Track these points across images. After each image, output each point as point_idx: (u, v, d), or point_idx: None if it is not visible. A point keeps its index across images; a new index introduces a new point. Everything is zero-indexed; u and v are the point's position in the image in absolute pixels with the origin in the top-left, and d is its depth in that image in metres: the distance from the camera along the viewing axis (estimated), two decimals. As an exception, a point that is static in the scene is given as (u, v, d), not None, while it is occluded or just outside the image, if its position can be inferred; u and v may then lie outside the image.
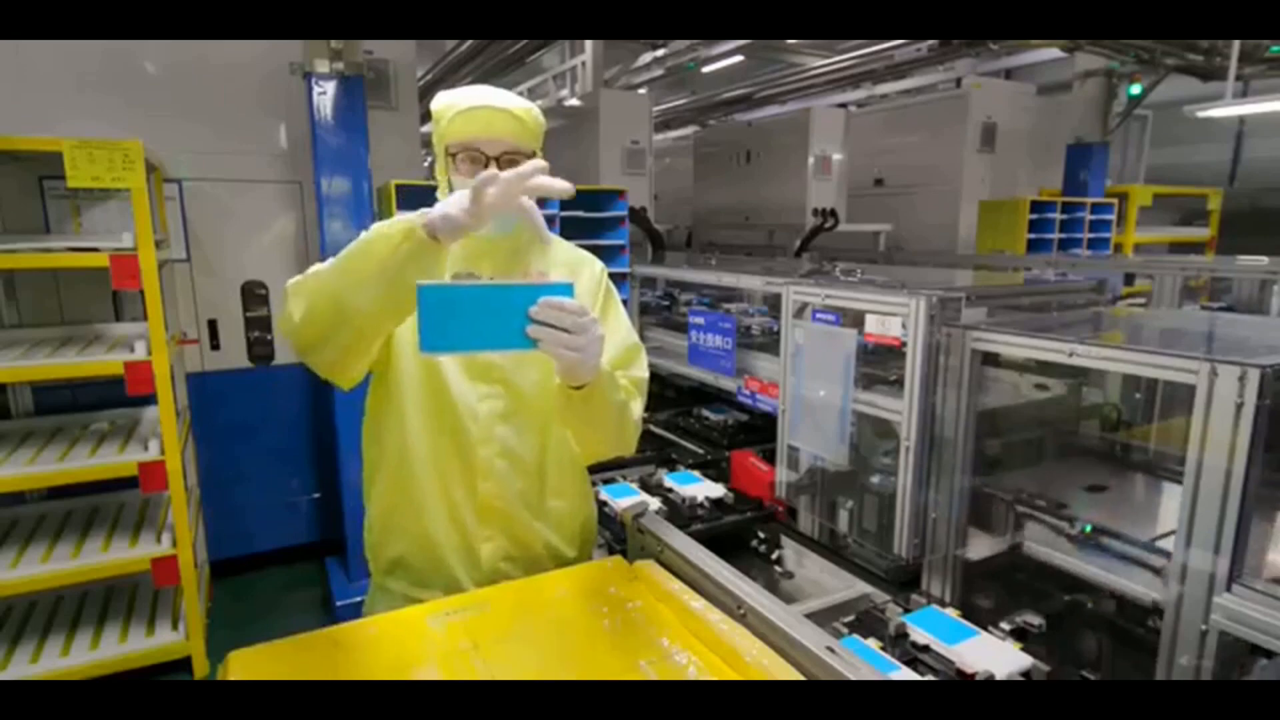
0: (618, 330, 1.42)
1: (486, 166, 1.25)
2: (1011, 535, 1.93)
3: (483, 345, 1.08)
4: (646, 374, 1.42)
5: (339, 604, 3.39)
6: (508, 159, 1.25)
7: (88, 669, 2.71)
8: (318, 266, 1.16)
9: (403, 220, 1.05)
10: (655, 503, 2.44)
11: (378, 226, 1.07)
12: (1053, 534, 1.85)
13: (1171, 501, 1.81)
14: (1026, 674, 1.57)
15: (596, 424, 1.27)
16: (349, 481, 3.37)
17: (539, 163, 1.06)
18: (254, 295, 3.72)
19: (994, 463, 2.05)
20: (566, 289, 1.03)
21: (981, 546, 1.99)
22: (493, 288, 1.04)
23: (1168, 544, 1.64)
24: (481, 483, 1.35)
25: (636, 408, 1.36)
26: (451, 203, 1.05)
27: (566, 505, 1.45)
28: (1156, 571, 1.66)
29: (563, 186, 1.07)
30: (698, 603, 1.13)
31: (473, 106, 1.25)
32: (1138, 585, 1.66)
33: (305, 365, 1.26)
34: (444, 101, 1.28)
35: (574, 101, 5.50)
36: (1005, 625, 1.72)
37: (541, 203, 1.44)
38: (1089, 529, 1.78)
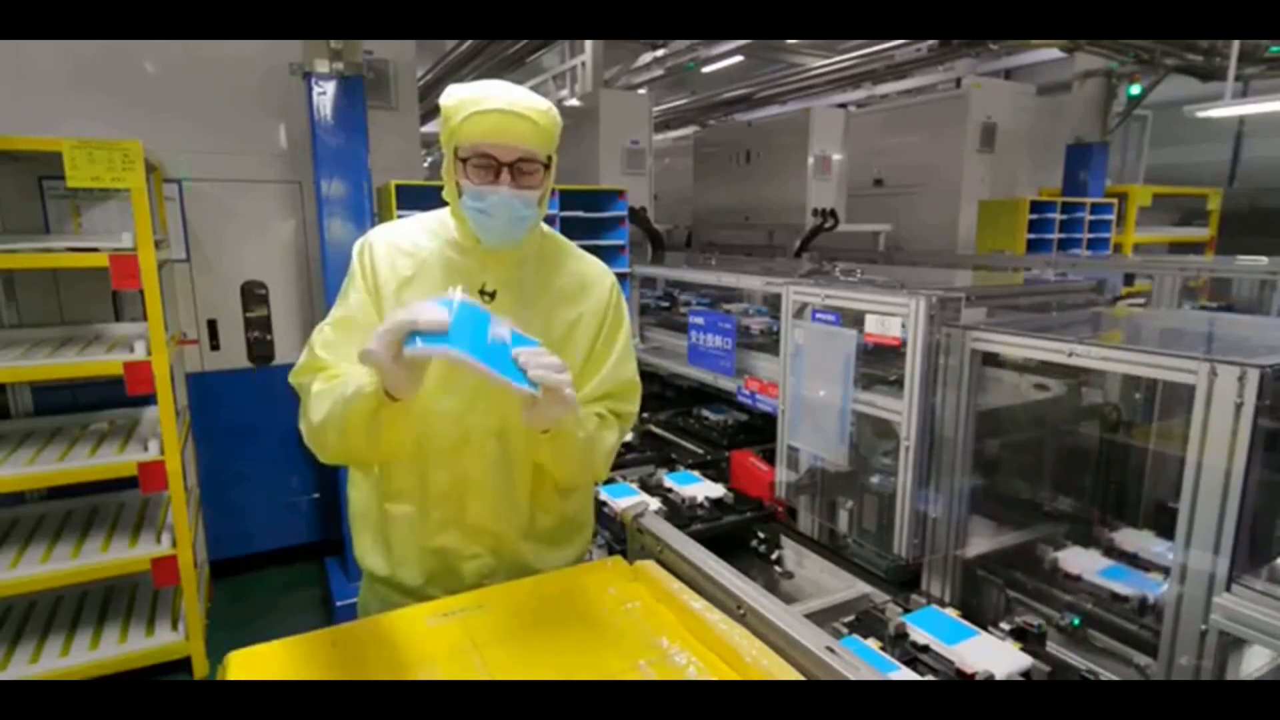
0: (615, 359, 1.37)
1: (498, 174, 1.18)
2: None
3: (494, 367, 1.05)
4: (636, 408, 1.41)
5: (339, 604, 3.39)
6: (520, 165, 1.19)
7: (87, 669, 2.71)
8: (318, 394, 1.20)
9: (369, 386, 1.09)
10: (655, 503, 2.44)
11: (348, 396, 1.12)
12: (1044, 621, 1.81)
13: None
14: (1026, 674, 1.58)
15: (565, 460, 1.28)
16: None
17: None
18: (254, 295, 3.72)
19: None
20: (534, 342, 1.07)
21: (982, 545, 2.00)
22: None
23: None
24: (472, 500, 1.32)
25: (610, 439, 1.34)
26: (383, 373, 1.04)
27: (557, 524, 1.41)
28: (1140, 669, 1.66)
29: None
30: (698, 603, 1.13)
31: (487, 110, 1.15)
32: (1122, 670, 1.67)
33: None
34: (456, 98, 1.18)
35: (574, 101, 5.50)
36: (1005, 625, 1.72)
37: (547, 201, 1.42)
38: (1077, 623, 1.78)
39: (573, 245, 1.44)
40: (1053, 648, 1.73)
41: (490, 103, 1.16)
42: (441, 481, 1.31)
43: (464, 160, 1.20)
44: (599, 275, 1.41)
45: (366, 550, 1.40)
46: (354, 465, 1.33)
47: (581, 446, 1.25)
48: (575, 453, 1.26)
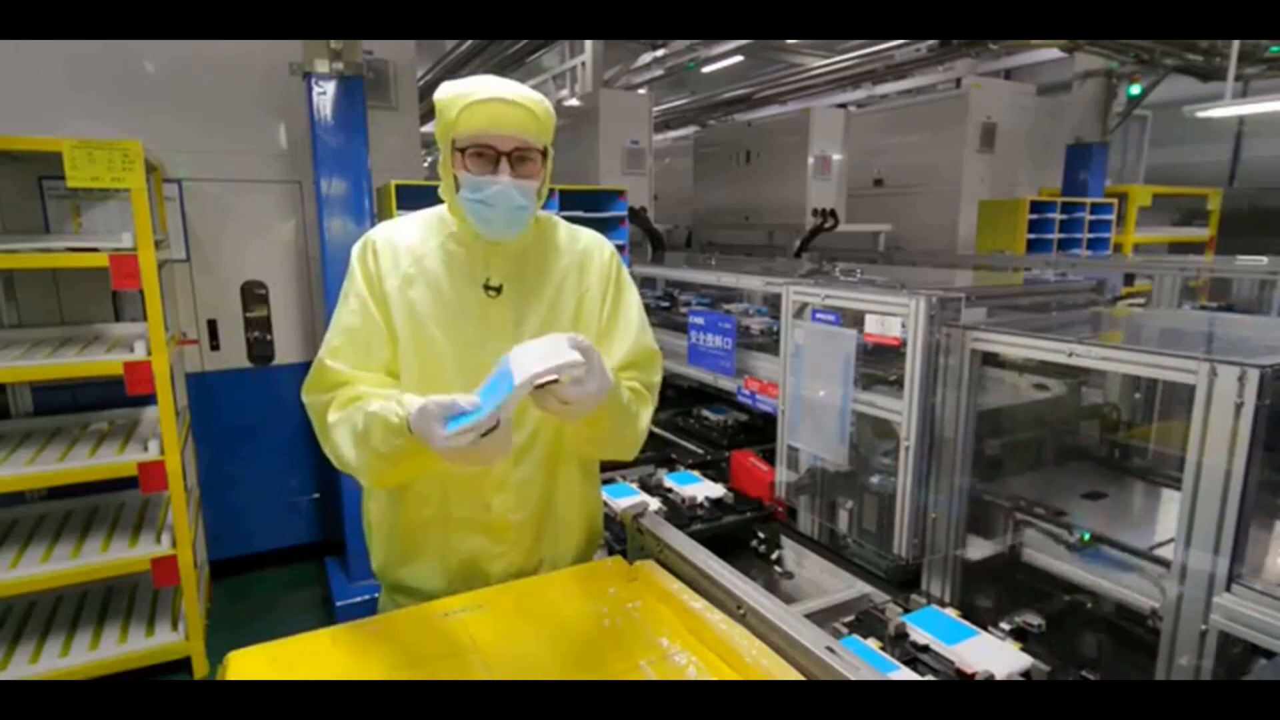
0: (630, 327, 1.35)
1: (498, 163, 1.19)
2: (1010, 540, 1.92)
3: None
4: (660, 378, 1.38)
5: (339, 604, 3.39)
6: (519, 154, 1.20)
7: (87, 669, 2.71)
8: (353, 424, 1.18)
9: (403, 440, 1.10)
10: (655, 503, 2.44)
11: (386, 453, 1.13)
12: (1051, 541, 1.83)
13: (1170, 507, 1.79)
14: (1026, 674, 1.57)
15: (602, 439, 1.29)
16: (349, 482, 3.36)
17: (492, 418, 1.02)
18: (254, 295, 3.72)
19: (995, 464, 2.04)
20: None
21: (981, 547, 2.00)
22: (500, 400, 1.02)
23: (1166, 551, 1.63)
24: (495, 496, 1.31)
25: (645, 416, 1.33)
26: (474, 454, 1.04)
27: (576, 517, 1.42)
28: (1156, 578, 1.65)
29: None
30: (698, 603, 1.13)
31: (484, 99, 1.16)
32: (1135, 593, 1.65)
33: (306, 364, 1.29)
34: (451, 93, 1.18)
35: (574, 101, 5.50)
36: (1005, 625, 1.72)
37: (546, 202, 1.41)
38: (1086, 536, 1.77)
39: (566, 223, 1.43)
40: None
41: (487, 92, 1.17)
42: (461, 480, 1.30)
43: (462, 151, 1.20)
44: (597, 246, 1.40)
45: (388, 562, 1.38)
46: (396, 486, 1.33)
47: (619, 424, 1.26)
48: (614, 431, 1.26)
